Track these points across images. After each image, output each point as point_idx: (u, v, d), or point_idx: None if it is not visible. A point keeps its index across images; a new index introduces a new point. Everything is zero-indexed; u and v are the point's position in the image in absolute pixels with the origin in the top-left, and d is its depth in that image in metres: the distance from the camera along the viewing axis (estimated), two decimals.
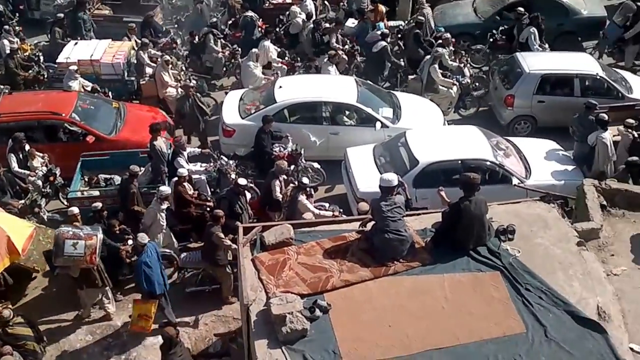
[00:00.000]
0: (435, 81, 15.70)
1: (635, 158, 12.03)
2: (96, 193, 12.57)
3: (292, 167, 13.16)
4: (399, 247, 8.20)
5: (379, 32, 17.09)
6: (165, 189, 11.53)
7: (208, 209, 11.94)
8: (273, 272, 7.99)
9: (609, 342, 7.30)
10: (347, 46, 17.36)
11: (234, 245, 10.67)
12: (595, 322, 7.51)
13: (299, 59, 17.08)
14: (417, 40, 16.99)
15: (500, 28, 17.49)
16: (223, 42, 17.41)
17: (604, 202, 9.43)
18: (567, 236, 8.68)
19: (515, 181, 12.45)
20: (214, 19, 18.06)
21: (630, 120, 13.26)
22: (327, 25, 17.53)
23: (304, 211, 11.42)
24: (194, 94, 14.77)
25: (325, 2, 19.84)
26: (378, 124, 14.10)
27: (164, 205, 11.41)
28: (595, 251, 8.69)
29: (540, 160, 13.23)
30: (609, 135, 12.88)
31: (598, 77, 15.21)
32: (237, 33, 18.07)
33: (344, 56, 17.06)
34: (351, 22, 18.12)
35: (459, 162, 12.28)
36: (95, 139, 13.76)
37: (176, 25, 18.99)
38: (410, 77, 16.45)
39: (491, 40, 17.31)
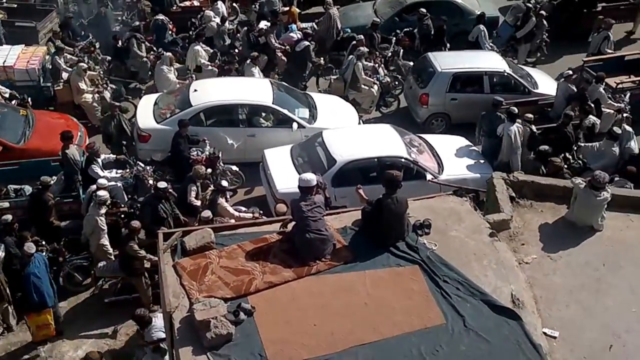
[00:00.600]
0: (358, 80, 15.97)
1: (545, 147, 12.59)
2: (6, 205, 12.10)
3: (210, 170, 13.08)
4: (320, 247, 8.27)
5: (292, 34, 17.20)
6: (104, 194, 11.31)
7: (122, 216, 11.75)
8: (195, 277, 7.91)
9: (524, 328, 7.60)
10: (283, 47, 17.52)
11: (149, 256, 10.57)
12: (510, 310, 7.80)
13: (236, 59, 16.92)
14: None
15: (405, 29, 18.00)
16: (147, 45, 17.11)
17: (513, 194, 9.74)
18: (480, 228, 8.96)
19: (429, 177, 12.83)
20: (136, 23, 17.70)
21: (529, 115, 13.89)
22: (262, 26, 17.59)
23: (224, 214, 11.39)
24: (119, 113, 14.40)
25: (234, 4, 19.79)
26: (295, 125, 14.21)
27: (103, 210, 11.18)
28: (506, 241, 8.98)
29: (451, 155, 13.68)
30: (516, 128, 13.45)
31: (506, 74, 15.91)
32: (148, 37, 17.77)
33: (283, 57, 17.27)
34: (264, 24, 18.18)
35: (375, 160, 12.56)
36: (2, 149, 13.26)
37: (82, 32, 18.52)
38: (333, 77, 16.64)
39: (394, 40, 17.69)
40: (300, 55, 17.06)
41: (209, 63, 16.73)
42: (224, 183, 12.07)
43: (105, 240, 11.17)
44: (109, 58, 17.10)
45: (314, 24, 18.79)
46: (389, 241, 8.51)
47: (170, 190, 12.29)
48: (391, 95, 17.03)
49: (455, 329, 7.58)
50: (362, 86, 16.13)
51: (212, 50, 17.17)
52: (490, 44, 18.09)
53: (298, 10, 19.17)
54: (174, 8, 19.29)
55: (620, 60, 17.09)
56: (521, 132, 13.54)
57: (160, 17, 17.94)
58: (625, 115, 14.96)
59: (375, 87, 16.29)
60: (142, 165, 12.90)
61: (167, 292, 7.74)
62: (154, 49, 17.15)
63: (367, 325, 7.57)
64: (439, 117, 16.01)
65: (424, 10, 17.97)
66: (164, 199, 11.49)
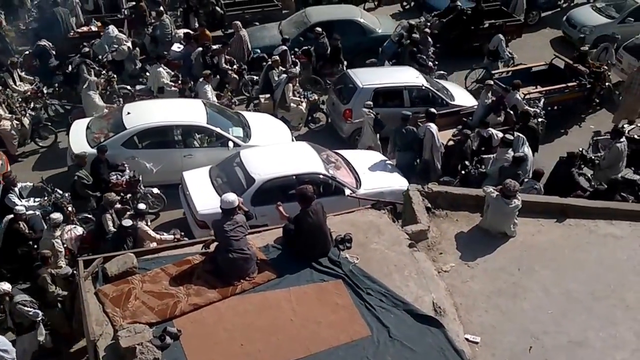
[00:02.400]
0: (286, 99, 16.17)
1: (521, 154, 13.29)
2: None
3: (130, 195, 12.88)
4: (244, 266, 8.25)
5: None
6: (57, 216, 11.08)
7: (35, 246, 11.38)
8: (118, 304, 7.74)
9: (446, 335, 7.81)
10: (235, 66, 17.61)
11: (57, 292, 10.29)
12: (433, 318, 8.00)
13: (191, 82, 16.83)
14: (413, 56, 17.99)
15: (304, 48, 18.24)
16: (97, 69, 16.72)
17: (429, 205, 9.98)
18: (399, 239, 9.16)
19: (347, 192, 12.99)
20: (86, 49, 17.20)
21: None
22: (215, 47, 17.61)
23: (146, 238, 11.18)
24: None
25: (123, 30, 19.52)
26: (230, 144, 14.16)
27: (57, 232, 10.94)
28: (425, 251, 9.21)
29: (368, 170, 13.93)
30: (435, 126, 14.09)
31: (424, 88, 16.42)
32: (32, 62, 17.47)
33: (234, 75, 17.42)
34: (177, 47, 18.12)
35: (294, 177, 12.62)
36: None
37: None
38: (262, 97, 16.74)
39: (277, 58, 17.91)
40: (280, 58, 17.50)
41: (171, 84, 16.64)
42: (142, 206, 11.86)
43: (62, 263, 10.96)
44: (56, 103, 16.72)
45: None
46: (313, 255, 8.58)
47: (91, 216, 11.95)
48: (319, 113, 17.28)
49: (381, 340, 7.70)
50: (291, 105, 16.35)
51: (173, 72, 17.08)
52: (509, 51, 19.00)
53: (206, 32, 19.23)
54: (71, 34, 18.87)
55: (527, 71, 18.01)
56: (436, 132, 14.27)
57: (43, 42, 17.50)
58: (540, 119, 15.94)
59: (304, 104, 16.51)
60: (60, 192, 12.53)
61: (90, 321, 7.54)
62: (104, 73, 16.80)
63: (294, 342, 7.60)
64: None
65: (319, 29, 18.35)
66: (127, 236, 11.21)
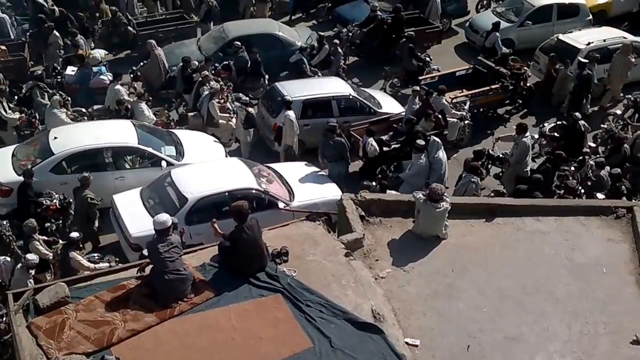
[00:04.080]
0: (214, 116, 16.11)
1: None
2: None
3: (62, 220, 12.64)
4: (180, 287, 8.16)
5: (102, 77, 17.49)
6: (33, 257, 10.81)
7: None
8: (52, 336, 7.53)
9: (387, 341, 7.90)
10: (221, 83, 17.41)
11: None
12: (373, 325, 8.08)
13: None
14: (412, 53, 18.80)
15: (225, 63, 18.28)
16: (50, 92, 16.33)
17: (362, 213, 10.06)
18: (335, 249, 9.21)
19: (281, 205, 13.01)
20: (39, 72, 16.67)
21: None
22: (196, 62, 17.55)
23: (78, 267, 10.92)
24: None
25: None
26: (164, 163, 13.97)
27: (32, 272, 10.66)
28: (361, 259, 9.29)
29: (300, 182, 13.99)
30: (293, 114, 14.88)
31: (351, 97, 16.64)
32: None
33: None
34: (70, 70, 17.94)
35: (227, 193, 12.57)
36: None
37: None
38: (190, 114, 16.61)
39: (208, 73, 17.92)
40: (296, 66, 18.09)
41: (127, 99, 16.51)
42: (74, 235, 11.54)
43: None
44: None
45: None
46: (251, 270, 8.56)
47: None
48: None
49: (323, 350, 7.73)
50: (220, 121, 16.26)
51: (69, 97, 16.71)
52: (504, 49, 19.35)
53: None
54: None
55: (452, 76, 18.47)
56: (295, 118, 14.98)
57: None
58: (466, 122, 16.34)
59: (233, 120, 16.43)
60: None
61: (24, 356, 7.31)
62: (56, 94, 16.39)
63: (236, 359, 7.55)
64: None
65: (238, 43, 18.38)
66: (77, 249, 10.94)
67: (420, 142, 14.15)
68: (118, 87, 16.59)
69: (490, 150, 15.31)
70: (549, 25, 21.33)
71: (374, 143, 14.86)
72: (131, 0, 22.16)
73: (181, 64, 17.65)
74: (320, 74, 18.70)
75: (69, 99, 16.50)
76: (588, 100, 18.20)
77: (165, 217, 8.47)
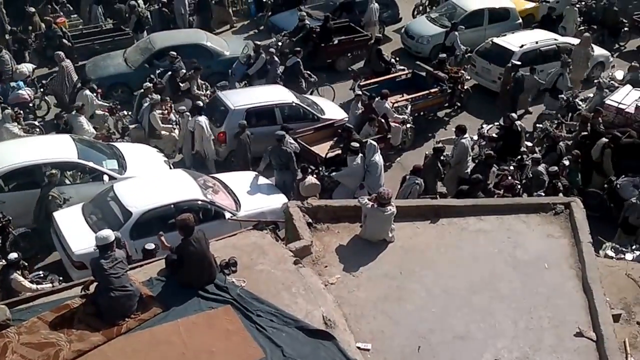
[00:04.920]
0: (156, 127, 15.95)
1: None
2: None
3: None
4: (127, 303, 8.00)
5: (21, 92, 17.35)
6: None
7: None
8: None
9: (339, 347, 7.89)
10: (208, 91, 17.52)
11: None
12: (324, 332, 8.07)
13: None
14: (379, 55, 19.42)
15: (158, 72, 18.13)
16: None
17: (310, 220, 10.06)
18: (284, 257, 9.18)
19: (227, 215, 12.94)
20: None
21: None
22: (184, 71, 17.48)
23: (19, 289, 10.60)
24: None
25: None
26: (106, 177, 13.69)
27: None
28: (310, 266, 9.29)
29: (246, 191, 13.94)
30: (204, 119, 15.11)
31: (294, 105, 16.67)
32: None
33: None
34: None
35: (172, 206, 12.43)
36: None
37: None
38: (132, 126, 16.39)
39: (150, 84, 17.74)
40: (291, 70, 18.50)
41: (101, 104, 16.51)
42: (13, 255, 11.19)
43: None
44: None
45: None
46: (200, 284, 8.46)
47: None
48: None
49: None
50: (162, 133, 16.05)
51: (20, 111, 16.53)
52: (463, 46, 20.09)
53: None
54: None
55: (393, 80, 18.71)
56: (208, 123, 15.21)
57: None
58: (409, 126, 16.54)
59: (176, 131, 16.25)
60: None
61: None
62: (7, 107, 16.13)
63: None
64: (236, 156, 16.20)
65: (174, 53, 18.28)
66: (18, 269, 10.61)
67: (355, 144, 14.26)
68: (87, 92, 16.45)
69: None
70: (481, 30, 21.91)
71: (292, 140, 14.94)
72: (94, 12, 21.99)
73: (169, 72, 17.64)
74: (315, 77, 19.17)
75: (21, 112, 16.18)
76: (527, 100, 18.72)
77: (107, 233, 8.31)
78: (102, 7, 22.06)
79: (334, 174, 14.16)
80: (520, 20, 22.73)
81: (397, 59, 20.33)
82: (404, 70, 19.41)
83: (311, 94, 18.98)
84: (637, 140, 15.07)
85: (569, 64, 18.66)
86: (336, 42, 20.92)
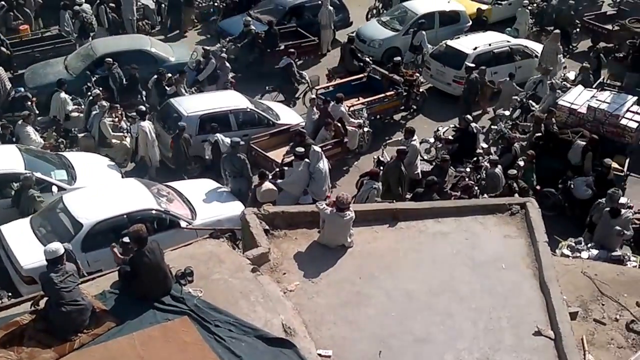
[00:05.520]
0: (106, 135, 15.62)
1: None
2: None
3: None
4: (79, 318, 7.78)
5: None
6: None
7: None
8: None
9: (299, 355, 7.82)
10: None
11: None
12: (284, 340, 7.98)
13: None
14: (353, 54, 19.65)
15: (94, 78, 17.83)
16: None
17: (267, 227, 9.96)
18: (242, 265, 9.05)
19: (183, 224, 12.72)
20: None
21: None
22: (170, 75, 17.23)
23: None
24: None
25: None
26: (55, 189, 13.32)
27: None
28: (269, 273, 9.18)
29: (202, 199, 13.74)
30: (148, 124, 15.09)
31: (249, 110, 16.51)
32: None
33: None
34: None
35: (125, 216, 12.15)
36: None
37: None
38: (80, 135, 16.02)
39: (88, 92, 17.39)
40: (284, 71, 18.80)
41: (76, 108, 16.29)
42: None
43: None
44: None
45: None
46: (155, 295, 8.26)
47: None
48: None
49: None
50: (113, 141, 15.74)
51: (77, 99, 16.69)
52: (430, 45, 20.45)
53: None
54: None
55: (348, 84, 18.66)
56: (152, 128, 15.24)
57: None
58: (366, 129, 16.55)
59: (128, 139, 15.93)
60: None
61: None
62: None
63: None
64: (193, 161, 15.99)
65: (110, 59, 18.00)
66: None
67: (300, 149, 14.18)
68: (63, 95, 16.19)
69: (380, 157, 15.59)
70: (432, 33, 22.04)
71: (226, 139, 14.88)
72: (63, 18, 21.49)
73: (155, 76, 17.44)
74: (306, 76, 19.37)
75: None
76: (483, 101, 18.95)
77: (56, 246, 8.07)
78: (69, 12, 21.49)
79: (279, 181, 13.97)
80: (470, 23, 22.98)
81: (370, 58, 20.20)
82: (376, 69, 19.32)
83: (261, 98, 18.80)
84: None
85: (550, 71, 18.87)
86: (283, 47, 20.69)
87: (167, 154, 16.05)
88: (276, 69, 19.23)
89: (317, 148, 14.42)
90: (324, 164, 14.23)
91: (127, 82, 17.88)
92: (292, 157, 14.82)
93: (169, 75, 17.71)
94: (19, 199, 13.06)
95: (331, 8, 22.45)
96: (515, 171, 14.17)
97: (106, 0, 21.95)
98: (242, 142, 14.77)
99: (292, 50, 19.60)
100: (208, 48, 19.37)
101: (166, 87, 17.49)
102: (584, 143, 15.21)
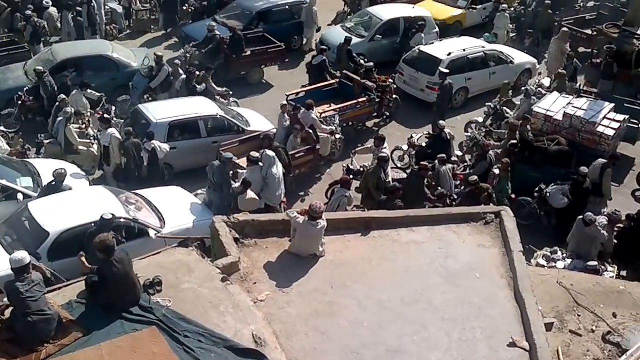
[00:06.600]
0: (72, 142, 15.33)
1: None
2: None
3: None
4: (45, 328, 7.62)
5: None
6: None
7: None
8: None
9: None
10: (223, 88, 17.49)
11: None
12: (254, 351, 7.86)
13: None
14: (350, 55, 19.73)
15: (25, 89, 17.49)
16: None
17: (237, 235, 9.84)
18: (211, 275, 8.91)
19: (152, 233, 12.51)
20: None
21: None
22: (198, 72, 17.20)
23: None
24: None
25: None
26: (20, 196, 13.02)
27: None
28: (239, 283, 9.05)
29: (171, 207, 13.53)
30: (115, 130, 14.91)
31: (219, 117, 16.36)
32: None
33: (223, 100, 17.42)
34: None
35: (92, 224, 11.89)
36: None
37: None
38: (46, 141, 15.66)
39: (19, 102, 17.11)
40: (319, 68, 18.93)
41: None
42: None
43: None
44: None
45: None
46: (123, 305, 8.10)
47: None
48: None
49: None
50: (80, 148, 15.48)
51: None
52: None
53: None
54: None
55: (320, 90, 18.56)
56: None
57: None
58: (338, 136, 16.47)
59: (95, 146, 15.64)
60: None
61: None
62: None
63: None
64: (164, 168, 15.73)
65: (40, 68, 17.61)
66: None
67: (254, 154, 14.03)
68: (79, 94, 16.40)
69: (349, 165, 15.52)
70: (397, 38, 22.04)
71: (163, 145, 14.84)
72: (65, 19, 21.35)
73: (184, 75, 17.59)
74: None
75: None
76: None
77: (22, 255, 7.90)
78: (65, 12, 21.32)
79: (233, 186, 13.76)
80: (437, 29, 22.90)
81: (365, 59, 20.07)
82: (348, 75, 19.16)
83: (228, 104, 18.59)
84: (564, 148, 15.35)
85: (563, 75, 18.79)
86: (249, 53, 20.55)
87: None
88: (311, 66, 19.31)
89: (270, 153, 14.21)
90: (278, 169, 14.06)
91: (59, 90, 17.25)
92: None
93: (198, 73, 17.67)
94: None
95: (316, 8, 22.33)
96: (476, 177, 13.85)
97: (71, 6, 21.65)
98: (235, 159, 14.54)
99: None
100: (160, 54, 18.90)
101: (196, 85, 17.39)
102: (604, 161, 14.92)
